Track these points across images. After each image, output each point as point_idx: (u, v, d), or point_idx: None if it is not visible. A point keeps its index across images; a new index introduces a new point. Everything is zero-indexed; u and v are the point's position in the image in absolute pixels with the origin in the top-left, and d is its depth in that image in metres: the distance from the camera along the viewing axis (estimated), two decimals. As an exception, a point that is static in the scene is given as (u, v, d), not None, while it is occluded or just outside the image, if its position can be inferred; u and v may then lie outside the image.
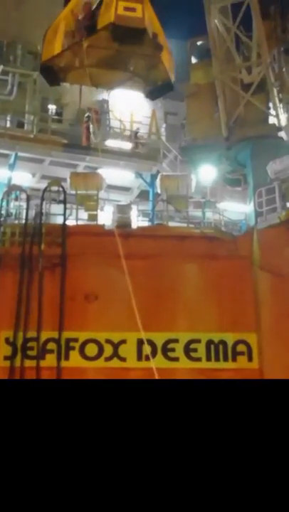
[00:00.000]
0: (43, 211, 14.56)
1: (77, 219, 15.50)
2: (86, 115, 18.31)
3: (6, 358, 13.29)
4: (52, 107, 20.31)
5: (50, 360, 13.27)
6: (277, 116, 17.72)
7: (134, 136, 19.02)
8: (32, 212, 14.73)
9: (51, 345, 13.41)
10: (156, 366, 12.87)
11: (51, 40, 17.26)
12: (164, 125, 21.81)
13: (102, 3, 16.56)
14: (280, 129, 17.75)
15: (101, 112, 19.56)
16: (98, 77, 18.24)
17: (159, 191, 17.47)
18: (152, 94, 18.78)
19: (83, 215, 15.84)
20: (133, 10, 15.98)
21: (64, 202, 14.93)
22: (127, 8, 15.89)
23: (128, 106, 20.45)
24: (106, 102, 20.13)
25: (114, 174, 18.33)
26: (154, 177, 18.12)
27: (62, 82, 18.64)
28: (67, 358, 13.38)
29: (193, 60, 20.05)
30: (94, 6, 16.86)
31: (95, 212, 15.69)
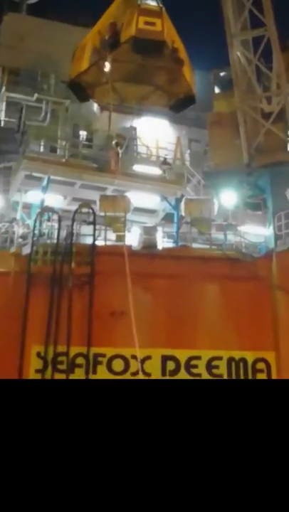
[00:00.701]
0: (74, 232, 15.23)
1: (105, 239, 16.04)
2: (114, 141, 18.71)
3: (37, 371, 13.80)
4: (83, 133, 21.12)
5: (78, 374, 13.72)
6: None
7: (163, 163, 19.33)
8: (63, 233, 15.30)
9: (80, 360, 13.90)
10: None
11: (79, 57, 18.64)
12: (188, 151, 22.55)
13: (124, 21, 17.71)
14: None
15: (129, 138, 19.90)
16: (123, 91, 19.38)
17: (183, 214, 17.94)
18: (176, 108, 19.77)
19: (111, 236, 16.35)
20: (153, 24, 17.32)
21: (94, 223, 15.45)
22: (147, 23, 17.26)
23: (154, 133, 21.08)
24: (134, 128, 20.72)
25: (140, 197, 18.62)
26: (178, 200, 18.49)
27: (90, 98, 19.66)
28: (94, 372, 13.86)
29: (217, 90, 20.64)
30: (118, 26, 18.00)
31: (122, 234, 16.17)
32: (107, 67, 17.58)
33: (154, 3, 17.68)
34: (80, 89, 19.23)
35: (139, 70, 18.91)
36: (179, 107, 19.69)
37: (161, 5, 17.54)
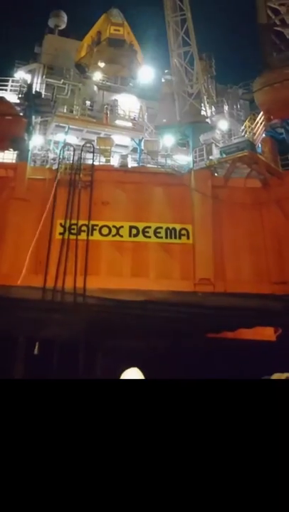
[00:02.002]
0: (82, 157, 19.58)
1: (99, 162, 20.59)
2: (105, 107, 24.74)
3: (60, 233, 18.13)
4: (88, 102, 26.99)
5: (83, 236, 18.15)
6: (205, 111, 24.58)
7: (132, 120, 24.95)
8: (76, 157, 19.62)
9: (84, 228, 18.26)
10: (138, 240, 18.47)
11: (79, 50, 28.27)
12: (146, 114, 27.24)
13: (103, 30, 27.83)
14: (206, 117, 24.49)
15: (113, 106, 25.72)
16: (105, 69, 28.94)
17: (143, 148, 23.58)
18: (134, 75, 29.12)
19: (103, 159, 21.21)
20: (118, 30, 29.00)
21: (93, 152, 20.00)
22: (115, 30, 28.47)
23: (127, 103, 26.88)
24: (116, 100, 26.54)
25: (119, 138, 24.12)
26: (140, 141, 24.28)
27: (87, 73, 28.13)
28: (92, 234, 18.21)
29: (163, 80, 28.07)
30: (101, 33, 27.41)
31: (109, 158, 21.52)
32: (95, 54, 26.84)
33: (120, 20, 27.31)
34: (81, 68, 28.08)
35: (113, 57, 28.48)
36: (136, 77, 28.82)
37: (123, 20, 27.47)
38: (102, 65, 28.64)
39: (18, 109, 22.53)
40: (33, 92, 24.15)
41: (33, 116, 22.90)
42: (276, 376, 14.33)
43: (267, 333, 20.43)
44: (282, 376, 13.88)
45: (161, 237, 18.58)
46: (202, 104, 24.57)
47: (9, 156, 21.36)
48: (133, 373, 4.49)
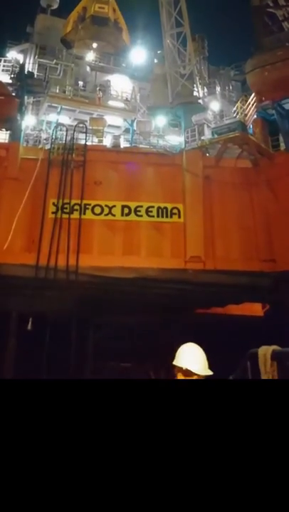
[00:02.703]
0: (74, 137, 19.48)
1: (92, 142, 20.68)
2: (98, 88, 24.97)
3: (53, 212, 18.15)
4: (80, 83, 27.31)
5: (75, 215, 18.18)
6: (198, 92, 24.89)
7: (125, 100, 25.11)
8: (68, 138, 19.53)
9: (76, 207, 18.28)
10: (130, 219, 18.55)
11: (65, 25, 28.41)
12: (138, 94, 27.35)
13: (89, 7, 27.95)
14: (198, 98, 24.81)
15: (106, 86, 25.96)
16: (90, 45, 29.14)
17: (135, 129, 23.74)
18: (120, 53, 29.21)
19: (95, 140, 21.54)
20: (102, 8, 28.38)
21: (86, 133, 19.99)
22: (100, 7, 28.22)
23: (120, 84, 26.97)
24: (109, 81, 26.73)
25: (112, 119, 24.31)
26: (132, 121, 24.43)
27: (72, 48, 28.25)
28: (84, 213, 18.27)
29: (156, 61, 28.22)
30: (86, 9, 27.68)
31: (101, 139, 21.80)
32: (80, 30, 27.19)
33: None
34: (67, 43, 28.50)
35: (97, 33, 29.11)
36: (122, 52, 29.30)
37: None
38: (94, 45, 28.60)
39: (11, 89, 22.57)
40: (26, 72, 24.29)
41: (26, 97, 23.11)
42: (263, 349, 14.91)
43: (255, 309, 20.96)
44: (269, 349, 14.40)
45: (153, 216, 18.75)
46: (194, 85, 24.89)
47: (1, 136, 21.59)
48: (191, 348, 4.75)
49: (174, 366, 4.80)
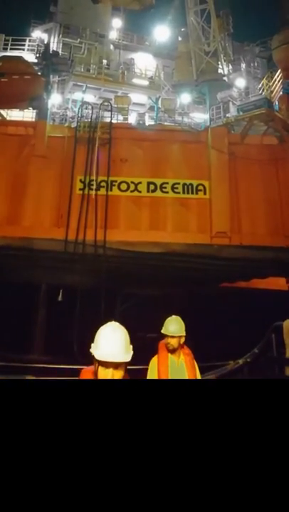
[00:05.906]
0: (100, 115, 19.36)
1: (117, 120, 21.10)
2: (121, 66, 25.27)
3: (80, 189, 18.20)
4: (104, 61, 27.31)
5: (102, 191, 18.14)
6: (222, 69, 25.10)
7: (149, 79, 25.26)
8: (94, 116, 19.42)
9: (103, 184, 18.29)
10: (156, 195, 18.44)
11: None
12: (162, 72, 27.53)
13: None
14: (223, 75, 25.03)
15: (130, 64, 26.16)
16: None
17: (160, 106, 23.86)
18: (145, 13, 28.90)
19: (120, 117, 21.60)
20: None
21: (111, 111, 19.95)
22: None
23: (144, 62, 27.19)
24: (132, 59, 26.94)
25: (136, 96, 24.76)
26: (157, 99, 24.72)
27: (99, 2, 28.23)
28: (111, 190, 18.28)
29: (180, 39, 27.85)
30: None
31: (126, 116, 21.91)
32: None
33: None
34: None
35: None
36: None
37: None
38: (118, 24, 28.38)
39: (36, 68, 22.65)
40: (51, 51, 24.21)
41: (51, 76, 23.27)
42: (288, 322, 15.09)
43: (280, 283, 21.05)
44: (294, 322, 14.52)
45: (179, 193, 18.70)
46: (219, 62, 24.87)
47: (28, 115, 21.86)
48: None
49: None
